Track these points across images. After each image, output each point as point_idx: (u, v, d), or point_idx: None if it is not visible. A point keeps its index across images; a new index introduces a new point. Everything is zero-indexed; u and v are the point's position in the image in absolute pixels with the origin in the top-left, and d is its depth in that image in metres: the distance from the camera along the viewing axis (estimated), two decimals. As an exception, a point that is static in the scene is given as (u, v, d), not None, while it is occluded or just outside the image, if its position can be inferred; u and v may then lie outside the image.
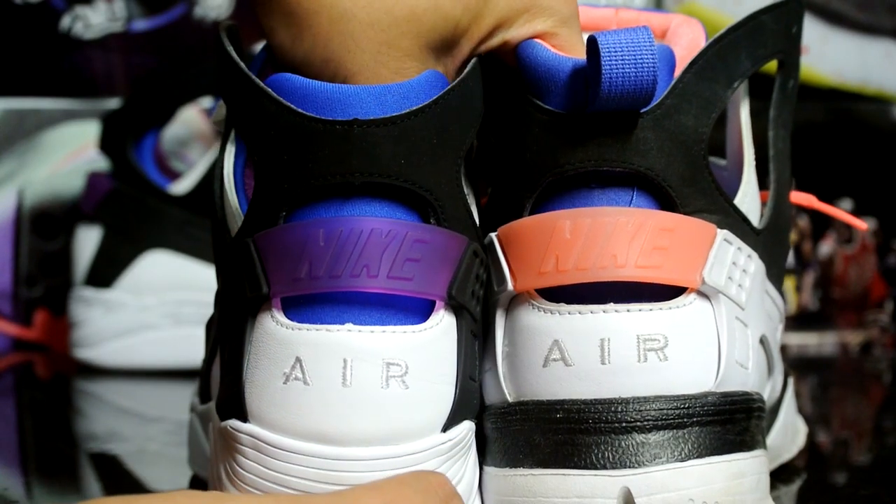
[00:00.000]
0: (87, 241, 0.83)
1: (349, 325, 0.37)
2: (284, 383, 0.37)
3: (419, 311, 0.38)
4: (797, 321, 0.96)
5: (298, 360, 0.37)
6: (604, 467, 0.37)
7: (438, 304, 0.38)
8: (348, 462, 0.36)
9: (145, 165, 0.84)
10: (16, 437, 0.66)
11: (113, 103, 0.92)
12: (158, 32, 0.96)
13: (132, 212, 0.82)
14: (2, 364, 0.88)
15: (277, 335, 0.37)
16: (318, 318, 0.37)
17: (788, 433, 0.50)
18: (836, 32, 0.98)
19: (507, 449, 0.39)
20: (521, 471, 0.38)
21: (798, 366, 0.87)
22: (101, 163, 0.86)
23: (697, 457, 0.37)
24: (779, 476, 0.49)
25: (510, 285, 0.40)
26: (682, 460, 0.37)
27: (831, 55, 0.98)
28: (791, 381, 0.50)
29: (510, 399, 0.40)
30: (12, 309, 0.92)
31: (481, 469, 0.40)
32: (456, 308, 0.38)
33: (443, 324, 0.38)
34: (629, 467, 0.37)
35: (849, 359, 0.92)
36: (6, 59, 0.94)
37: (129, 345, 0.81)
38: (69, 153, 0.93)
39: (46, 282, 0.92)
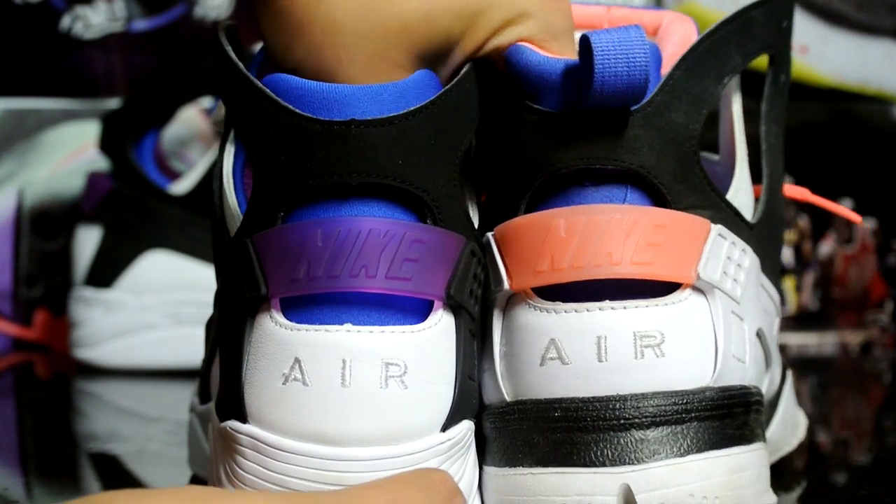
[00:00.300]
0: (87, 241, 0.83)
1: (348, 326, 0.37)
2: (283, 384, 0.37)
3: (418, 310, 0.38)
4: (797, 321, 0.96)
5: (297, 360, 0.37)
6: (603, 464, 0.37)
7: (437, 303, 0.38)
8: (348, 462, 0.36)
9: (145, 165, 0.84)
10: (16, 437, 0.66)
11: (113, 103, 0.92)
12: (158, 32, 0.96)
13: (132, 212, 0.82)
14: (2, 364, 0.88)
15: (276, 336, 0.37)
16: (317, 318, 0.37)
17: (788, 426, 0.50)
18: (836, 32, 0.98)
19: (507, 448, 0.39)
20: (520, 470, 0.38)
21: (798, 366, 0.87)
22: (101, 163, 0.86)
23: (696, 451, 0.37)
24: (779, 476, 0.49)
25: (506, 285, 0.40)
26: (681, 455, 0.37)
27: (831, 55, 0.98)
28: (790, 373, 0.50)
29: (508, 398, 0.40)
30: (12, 309, 0.92)
31: (481, 469, 0.40)
32: (454, 308, 0.39)
33: (441, 323, 0.38)
34: (628, 464, 0.37)
35: (849, 359, 0.92)
36: (6, 59, 0.94)
37: (129, 345, 0.82)
38: (69, 153, 0.93)
39: (46, 282, 0.92)
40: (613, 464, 0.37)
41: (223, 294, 0.40)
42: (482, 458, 0.40)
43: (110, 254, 0.83)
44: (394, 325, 0.37)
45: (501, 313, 0.40)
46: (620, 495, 0.37)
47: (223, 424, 0.38)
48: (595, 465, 0.37)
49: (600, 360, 0.38)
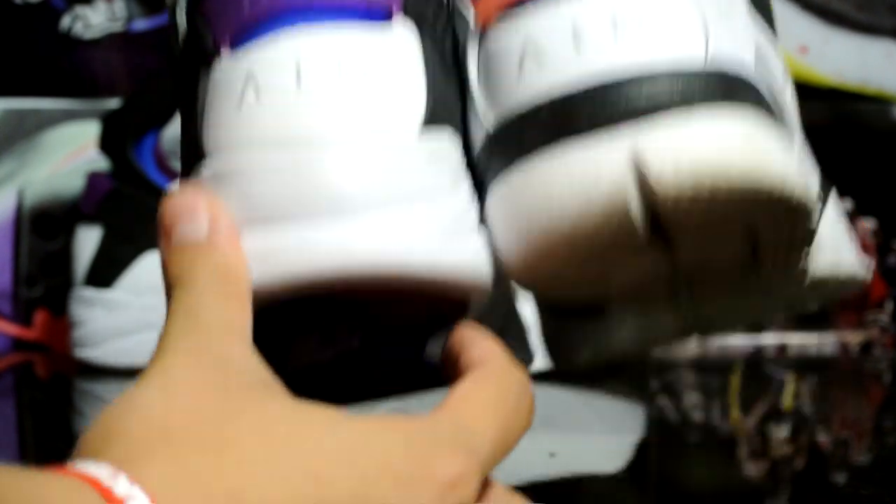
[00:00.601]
0: (88, 241, 0.83)
1: (301, 28, 0.35)
2: (238, 106, 0.34)
3: (375, 18, 0.36)
4: (798, 321, 0.96)
5: (250, 75, 0.34)
6: (603, 125, 0.33)
7: (395, 12, 0.36)
8: (314, 160, 0.33)
9: (145, 165, 0.84)
10: (16, 437, 0.66)
11: (113, 103, 0.92)
12: (158, 32, 0.96)
13: (132, 212, 0.82)
14: (2, 364, 0.88)
15: (228, 66, 0.35)
16: (268, 33, 0.35)
17: (841, 247, 0.43)
18: (836, 32, 0.98)
19: (498, 161, 0.35)
20: (515, 166, 0.35)
21: (798, 366, 0.87)
22: (101, 163, 0.86)
23: (703, 101, 0.33)
24: (778, 476, 0.49)
25: (472, 22, 0.37)
26: (689, 105, 0.33)
27: (831, 55, 0.98)
28: (834, 192, 0.44)
29: (492, 131, 0.36)
30: (12, 309, 0.92)
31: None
32: (416, 20, 0.36)
33: (402, 29, 0.36)
34: (630, 118, 0.33)
35: (849, 359, 0.92)
36: (6, 59, 0.94)
37: (129, 344, 0.81)
38: (69, 153, 0.93)
39: (46, 282, 0.92)
40: (614, 121, 0.33)
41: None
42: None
43: (110, 254, 0.83)
44: (350, 26, 0.35)
45: (476, 54, 0.37)
46: (630, 161, 0.33)
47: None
48: (594, 128, 0.33)
49: (578, 51, 0.34)
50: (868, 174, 0.98)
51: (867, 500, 0.49)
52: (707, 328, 0.42)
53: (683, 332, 0.42)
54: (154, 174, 0.84)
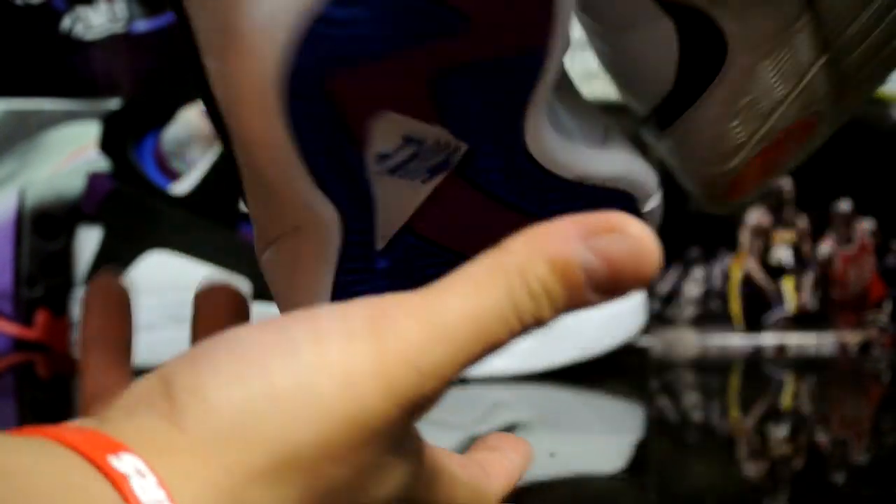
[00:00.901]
0: (88, 241, 0.83)
1: None
2: None
3: None
4: (797, 321, 0.96)
5: None
6: None
7: None
8: None
9: (146, 166, 0.84)
10: (17, 437, 0.66)
11: (113, 104, 0.92)
12: (159, 33, 0.96)
13: (132, 212, 0.83)
14: (2, 364, 0.88)
15: None
16: None
17: None
18: (835, 33, 0.98)
19: None
20: None
21: (798, 366, 0.87)
22: (101, 163, 0.86)
23: None
24: (778, 475, 0.49)
25: None
26: None
27: (831, 56, 0.98)
28: None
29: None
30: (13, 309, 0.92)
31: None
32: None
33: None
34: None
35: (848, 359, 0.92)
36: (7, 60, 0.94)
37: (129, 345, 0.82)
38: (70, 153, 0.93)
39: (47, 282, 0.92)
40: None
41: None
42: None
43: (111, 254, 0.83)
44: None
45: None
46: None
47: None
48: None
49: None
50: (867, 174, 0.98)
51: (866, 500, 0.49)
52: (849, 85, 0.41)
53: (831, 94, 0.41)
54: (154, 174, 0.84)
